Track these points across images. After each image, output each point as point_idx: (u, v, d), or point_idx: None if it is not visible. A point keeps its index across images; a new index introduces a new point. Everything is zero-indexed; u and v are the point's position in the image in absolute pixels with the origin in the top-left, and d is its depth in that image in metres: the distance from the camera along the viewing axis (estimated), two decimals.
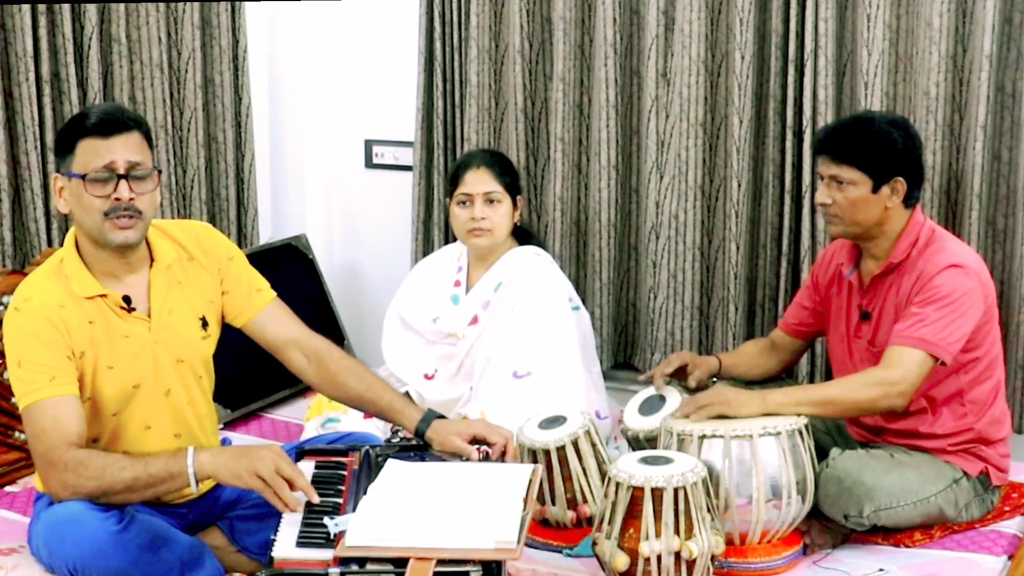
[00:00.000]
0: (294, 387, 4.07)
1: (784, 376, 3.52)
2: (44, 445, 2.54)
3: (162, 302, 2.73)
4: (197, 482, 2.52)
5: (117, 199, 2.58)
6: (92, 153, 2.58)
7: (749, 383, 3.32)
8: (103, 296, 2.67)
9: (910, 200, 3.08)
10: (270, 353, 2.92)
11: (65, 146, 2.63)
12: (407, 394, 3.43)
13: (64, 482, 2.52)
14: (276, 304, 2.91)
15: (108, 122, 2.60)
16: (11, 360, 2.61)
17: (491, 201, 3.48)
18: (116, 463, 2.53)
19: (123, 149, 2.59)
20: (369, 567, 2.28)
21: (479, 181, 3.48)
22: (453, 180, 3.57)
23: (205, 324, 2.80)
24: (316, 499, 2.47)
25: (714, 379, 3.33)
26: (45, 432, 2.53)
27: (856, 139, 3.05)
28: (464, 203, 3.50)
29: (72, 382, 2.59)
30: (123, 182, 2.59)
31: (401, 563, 2.26)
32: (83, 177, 2.59)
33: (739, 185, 3.86)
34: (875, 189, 3.03)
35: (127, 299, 2.69)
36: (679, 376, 3.32)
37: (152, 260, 2.74)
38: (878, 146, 3.03)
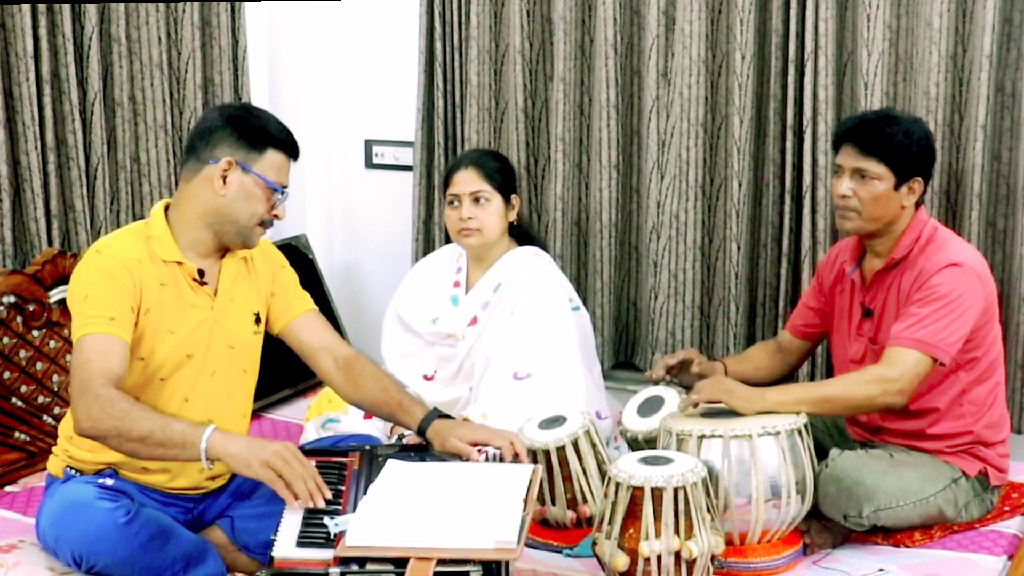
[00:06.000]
0: (294, 387, 4.08)
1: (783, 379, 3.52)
2: (85, 373, 2.56)
3: (228, 287, 2.82)
4: (208, 460, 2.51)
5: (276, 216, 2.78)
6: (281, 169, 2.77)
7: (755, 386, 3.31)
8: (180, 264, 2.75)
9: (918, 200, 3.09)
10: (301, 358, 2.96)
11: (254, 142, 2.73)
12: None
13: (89, 412, 2.53)
14: (315, 314, 2.99)
15: (296, 147, 2.80)
16: (78, 294, 2.65)
17: (478, 200, 3.48)
18: (139, 411, 2.54)
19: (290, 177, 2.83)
20: (369, 567, 2.28)
21: (466, 181, 3.50)
22: (445, 182, 3.59)
23: (258, 320, 2.89)
24: (329, 495, 2.48)
25: None
26: (90, 362, 2.57)
27: (886, 134, 3.04)
28: (453, 203, 3.51)
29: (128, 330, 2.65)
30: (283, 205, 2.81)
31: (401, 563, 2.26)
32: (267, 183, 2.73)
33: (740, 185, 3.86)
34: (897, 186, 3.03)
35: (201, 272, 2.77)
36: (684, 369, 3.32)
37: (228, 249, 2.84)
38: (907, 144, 3.03)
